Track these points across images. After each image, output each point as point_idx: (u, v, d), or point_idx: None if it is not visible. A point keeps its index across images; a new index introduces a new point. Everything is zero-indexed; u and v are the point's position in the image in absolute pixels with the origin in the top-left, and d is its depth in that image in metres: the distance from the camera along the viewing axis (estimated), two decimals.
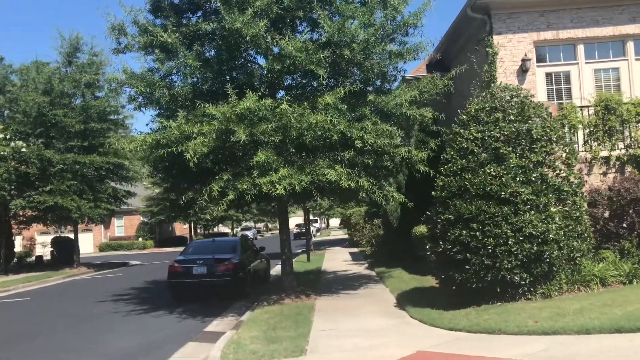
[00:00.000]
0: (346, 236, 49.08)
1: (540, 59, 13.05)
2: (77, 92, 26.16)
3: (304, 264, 21.45)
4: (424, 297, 10.65)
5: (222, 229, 71.79)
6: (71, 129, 25.10)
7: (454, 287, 8.89)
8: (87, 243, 47.90)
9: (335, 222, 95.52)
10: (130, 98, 12.17)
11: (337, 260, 22.21)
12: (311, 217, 37.56)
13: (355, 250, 27.20)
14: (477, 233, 8.46)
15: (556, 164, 9.11)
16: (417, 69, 17.91)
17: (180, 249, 42.02)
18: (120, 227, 52.57)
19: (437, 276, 9.45)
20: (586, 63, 12.99)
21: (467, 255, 8.53)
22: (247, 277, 14.34)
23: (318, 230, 63.67)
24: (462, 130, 9.25)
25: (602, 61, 13.01)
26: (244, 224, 74.94)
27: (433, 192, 9.36)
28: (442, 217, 8.93)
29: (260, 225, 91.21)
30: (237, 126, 10.00)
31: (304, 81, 12.21)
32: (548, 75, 13.07)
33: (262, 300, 12.62)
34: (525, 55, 12.71)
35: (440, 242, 8.91)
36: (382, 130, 10.83)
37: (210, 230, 61.35)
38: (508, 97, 9.46)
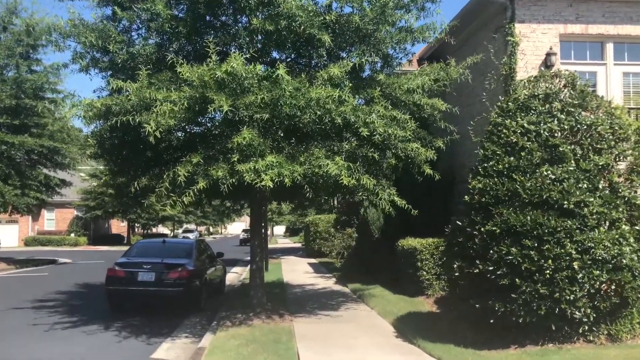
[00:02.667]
0: (296, 244, 46.83)
1: (564, 55, 11.37)
2: (10, 63, 22.81)
3: None
4: (433, 326, 8.61)
5: (162, 229, 68.02)
6: (0, 103, 21.77)
7: (491, 321, 6.85)
8: (12, 236, 43.47)
9: (280, 229, 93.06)
10: (75, 55, 9.59)
11: (298, 272, 19.94)
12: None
13: (314, 260, 24.98)
14: (532, 252, 6.47)
15: (621, 170, 7.27)
16: (410, 63, 16.00)
17: (116, 248, 38.96)
18: (51, 220, 48.21)
19: (466, 305, 7.36)
20: (615, 64, 11.40)
21: (516, 280, 6.52)
22: (202, 287, 11.92)
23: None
24: (507, 121, 7.28)
25: (633, 64, 11.46)
26: (185, 225, 71.51)
27: (466, 197, 7.34)
28: (482, 229, 6.89)
29: (202, 228, 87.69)
30: (215, 95, 7.68)
31: (296, 53, 9.99)
32: None
33: (224, 318, 10.22)
34: (551, 48, 10.99)
35: (478, 262, 6.87)
36: (395, 118, 8.79)
37: (149, 230, 57.67)
38: (561, 86, 7.59)
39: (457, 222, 7.38)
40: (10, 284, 17.62)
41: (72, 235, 44.94)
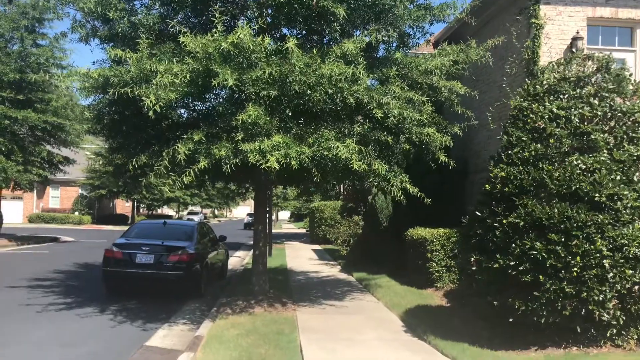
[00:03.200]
0: (300, 230, 46.44)
1: (591, 40, 10.74)
2: (15, 36, 22.30)
3: None
4: (444, 322, 8.12)
5: (167, 211, 67.84)
6: (4, 77, 21.26)
7: (510, 320, 6.35)
8: (16, 212, 43.29)
9: (284, 214, 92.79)
10: (74, 24, 9.06)
11: (302, 258, 19.51)
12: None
13: (318, 247, 24.58)
14: (559, 248, 5.95)
15: None
16: (427, 44, 15.36)
17: (120, 228, 38.65)
18: (56, 198, 47.98)
19: (482, 301, 6.86)
20: None
21: (540, 277, 6.01)
22: (203, 272, 11.48)
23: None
24: (534, 106, 6.72)
25: None
26: (190, 207, 71.27)
27: (487, 186, 6.80)
28: (503, 221, 6.37)
29: (207, 210, 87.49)
30: (220, 68, 7.16)
31: (307, 28, 9.42)
32: None
33: (224, 305, 9.78)
34: (578, 33, 10.37)
35: (498, 256, 6.35)
36: (412, 100, 8.25)
37: (154, 211, 57.50)
38: (593, 69, 7.01)
39: (476, 212, 6.85)
40: (9, 261, 17.28)
41: (76, 213, 44.71)
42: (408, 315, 9.05)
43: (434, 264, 11.46)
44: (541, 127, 6.51)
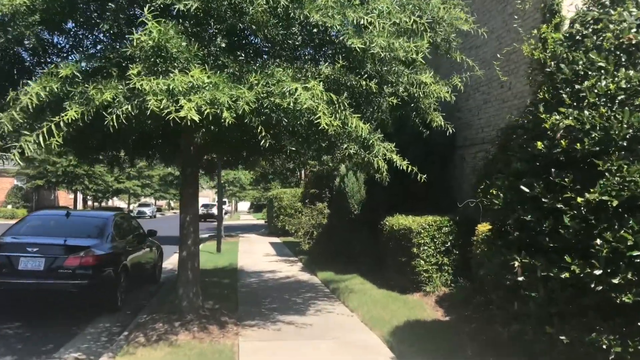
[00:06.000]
0: (259, 222, 43.42)
1: None
2: None
3: (212, 256, 15.71)
4: (451, 351, 5.52)
5: (119, 203, 63.69)
6: None
7: None
8: None
9: (244, 205, 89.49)
10: None
11: (257, 254, 16.68)
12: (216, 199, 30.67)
13: (276, 240, 21.82)
14: None
15: None
16: None
17: None
18: None
19: (537, 330, 4.20)
20: None
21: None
22: (120, 278, 8.58)
23: (226, 213, 57.19)
24: (616, 12, 4.10)
25: None
26: (143, 199, 67.22)
27: (538, 144, 4.15)
28: (577, 200, 3.73)
29: (163, 202, 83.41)
30: None
31: None
32: None
33: (139, 328, 6.92)
34: None
35: (568, 259, 3.70)
36: (407, 28, 5.60)
37: (103, 203, 53.38)
38: None
39: (522, 187, 4.19)
40: None
41: (9, 207, 40.53)
42: (396, 338, 6.39)
43: (422, 262, 8.88)
44: (633, 42, 3.90)
